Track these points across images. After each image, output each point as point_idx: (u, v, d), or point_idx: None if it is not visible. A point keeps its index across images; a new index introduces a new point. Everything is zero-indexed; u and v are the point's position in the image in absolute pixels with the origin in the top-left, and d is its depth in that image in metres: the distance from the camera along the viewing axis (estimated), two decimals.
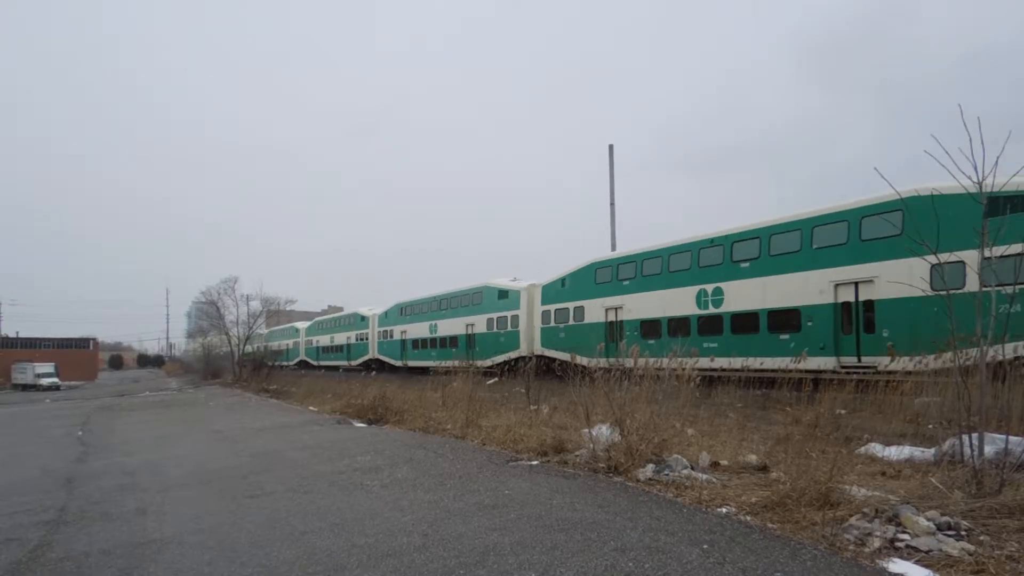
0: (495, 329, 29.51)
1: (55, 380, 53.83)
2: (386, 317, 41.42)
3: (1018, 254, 9.05)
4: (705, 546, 4.33)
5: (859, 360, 15.35)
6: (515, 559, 4.25)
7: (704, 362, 17.48)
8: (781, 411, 10.63)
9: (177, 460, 9.81)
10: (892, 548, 4.10)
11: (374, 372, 37.18)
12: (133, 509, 6.56)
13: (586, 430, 7.80)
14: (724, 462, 6.88)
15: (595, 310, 23.71)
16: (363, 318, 44.42)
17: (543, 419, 10.60)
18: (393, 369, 38.86)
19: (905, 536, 4.19)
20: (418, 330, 36.39)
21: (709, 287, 19.17)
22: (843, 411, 9.72)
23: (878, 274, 14.86)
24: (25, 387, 52.96)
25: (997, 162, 5.23)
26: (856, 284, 15.48)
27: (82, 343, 77.88)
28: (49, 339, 74.53)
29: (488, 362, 26.36)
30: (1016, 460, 5.12)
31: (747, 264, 18.15)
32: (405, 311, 38.65)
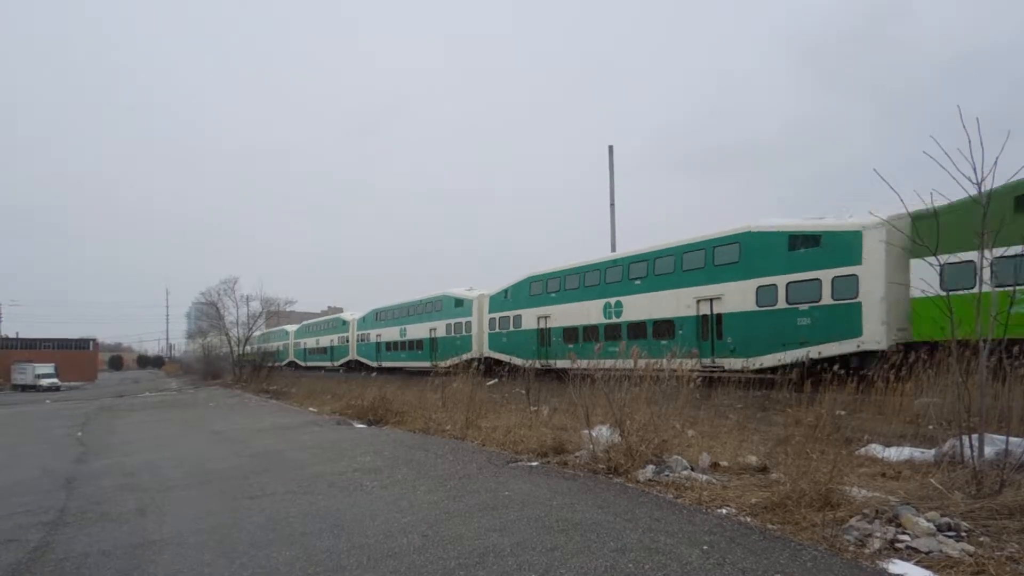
0: (452, 334, 32.63)
1: (55, 381, 53.84)
2: (364, 322, 44.33)
3: (809, 280, 14.69)
4: (705, 547, 4.33)
5: (713, 362, 18.38)
6: (515, 560, 4.25)
7: (607, 363, 19.60)
8: (781, 412, 10.62)
9: (177, 461, 9.81)
10: (892, 549, 4.10)
11: (368, 374, 38.47)
12: (133, 510, 6.56)
13: (586, 431, 7.80)
14: (724, 463, 6.88)
15: (529, 318, 27.03)
16: (344, 322, 47.24)
17: (543, 420, 10.60)
18: (370, 369, 41.40)
19: (905, 537, 4.19)
20: (391, 334, 39.53)
21: (612, 300, 22.60)
22: (843, 412, 9.72)
23: (724, 293, 18.44)
24: (25, 388, 52.96)
25: (996, 162, 5.24)
26: (711, 300, 18.92)
27: (82, 344, 77.86)
28: (49, 340, 74.51)
29: (447, 363, 28.83)
30: (1016, 461, 5.12)
31: (639, 282, 21.62)
32: (380, 316, 41.66)
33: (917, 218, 8.83)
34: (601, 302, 23.00)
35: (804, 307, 16.31)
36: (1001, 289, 8.56)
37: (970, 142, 5.14)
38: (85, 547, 5.24)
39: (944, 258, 7.24)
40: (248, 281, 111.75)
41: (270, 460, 9.24)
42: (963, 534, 4.18)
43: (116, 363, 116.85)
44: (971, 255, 10.56)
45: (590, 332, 23.29)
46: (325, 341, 51.29)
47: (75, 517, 6.38)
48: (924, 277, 8.92)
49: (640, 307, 21.36)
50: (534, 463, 7.76)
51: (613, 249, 31.30)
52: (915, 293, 13.76)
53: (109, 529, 5.82)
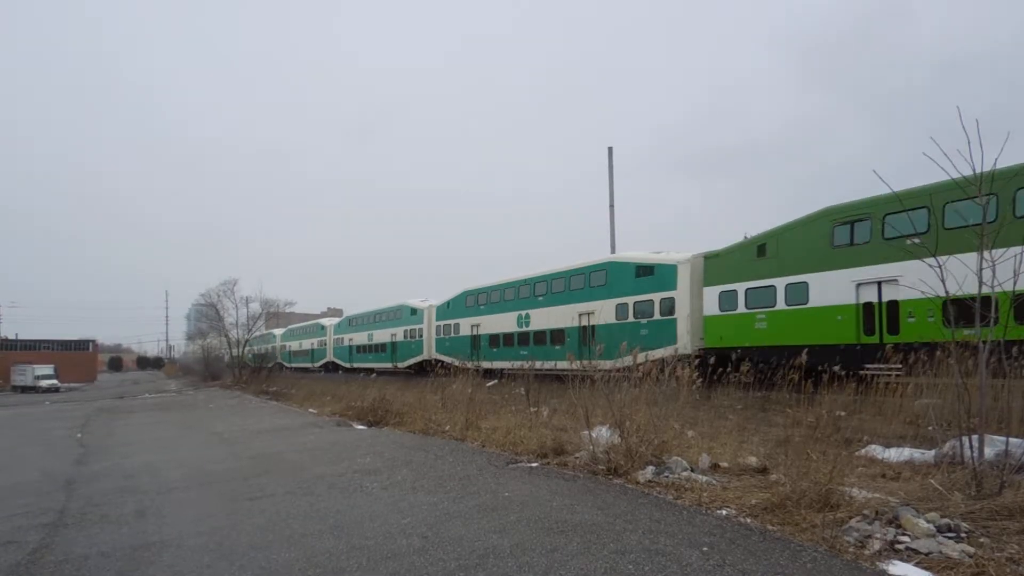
0: (408, 338, 37.92)
1: (55, 382, 53.77)
2: (338, 327, 49.68)
3: (647, 300, 19.83)
4: (705, 548, 4.33)
5: (590, 363, 21.61)
6: (515, 561, 4.25)
7: (519, 364, 24.67)
8: (781, 413, 10.62)
9: (177, 462, 9.80)
10: (892, 550, 4.10)
11: (359, 374, 41.18)
12: (132, 511, 6.55)
13: (586, 432, 7.80)
14: (724, 464, 6.88)
15: (465, 326, 32.28)
16: (323, 327, 51.97)
17: (543, 421, 10.60)
18: (344, 370, 46.51)
19: (905, 538, 4.19)
20: (361, 338, 44.83)
21: (523, 313, 27.80)
22: (843, 413, 9.72)
23: (596, 309, 23.06)
24: (24, 389, 52.88)
25: (996, 163, 5.24)
26: (588, 314, 23.59)
27: (82, 345, 77.78)
28: (49, 341, 74.44)
29: (404, 364, 37.16)
30: (1016, 462, 5.12)
31: (541, 298, 26.78)
32: (352, 322, 47.16)
33: (707, 257, 14.18)
34: (515, 314, 28.31)
35: (644, 321, 21.25)
36: (750, 311, 16.75)
37: (969, 143, 5.15)
38: (84, 549, 5.24)
39: (721, 287, 12.29)
40: (248, 283, 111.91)
41: (270, 462, 9.23)
42: (963, 535, 4.18)
43: (116, 364, 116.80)
44: (735, 286, 17.87)
45: (508, 338, 28.73)
46: (307, 344, 55.87)
47: (74, 519, 6.37)
48: (711, 300, 14.80)
49: (542, 319, 26.57)
50: (534, 464, 7.76)
51: (612, 250, 31.58)
52: (706, 312, 18.89)
53: (108, 531, 5.81)
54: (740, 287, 18.01)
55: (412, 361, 36.92)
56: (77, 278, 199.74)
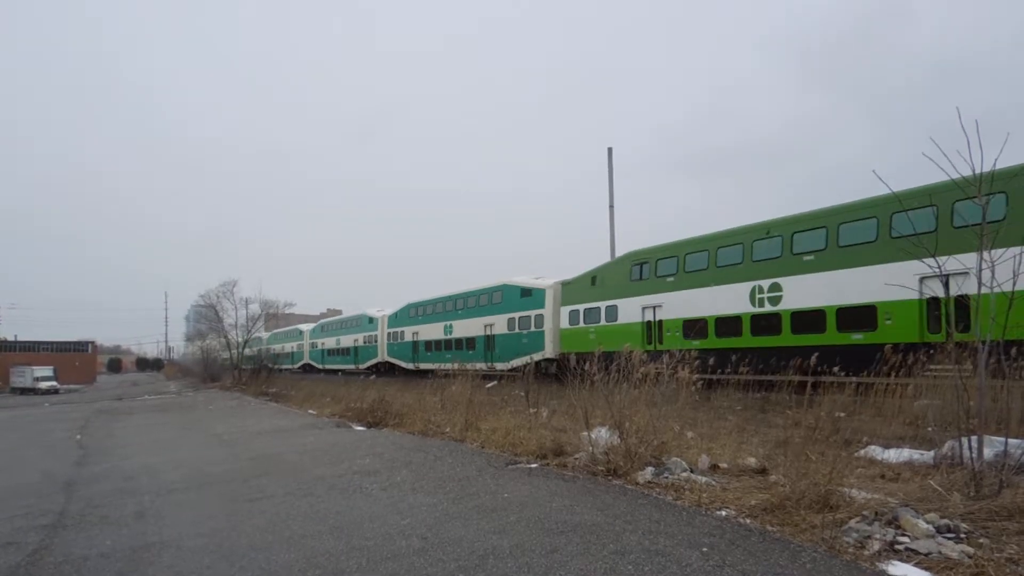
0: (366, 343, 43.80)
1: (54, 383, 53.71)
2: (313, 332, 55.32)
3: (527, 316, 27.33)
4: (705, 549, 4.34)
5: (491, 365, 29.03)
6: (514, 562, 4.25)
7: (447, 366, 28.76)
8: (780, 414, 10.62)
9: (176, 463, 9.80)
10: (892, 551, 4.10)
11: (337, 375, 46.43)
12: (132, 513, 6.55)
13: (585, 433, 7.80)
14: (723, 465, 6.88)
15: (408, 334, 38.25)
16: (300, 332, 57.32)
17: (542, 422, 10.59)
18: (317, 370, 52.03)
19: (905, 539, 4.19)
20: (331, 343, 50.60)
21: (448, 323, 33.68)
22: (842, 414, 9.72)
23: (495, 322, 29.54)
24: (24, 390, 52.83)
25: (995, 163, 5.25)
26: (490, 326, 29.81)
27: (81, 346, 77.71)
28: (48, 342, 74.38)
29: (364, 365, 42.86)
30: (1015, 462, 5.12)
31: (460, 311, 32.75)
32: (324, 328, 53.02)
33: (564, 284, 22.74)
34: (443, 324, 33.98)
35: (525, 332, 27.29)
36: (586, 326, 23.35)
37: (968, 143, 5.15)
38: (84, 550, 5.24)
39: (571, 307, 21.64)
40: (248, 284, 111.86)
41: (269, 463, 9.23)
42: (962, 536, 4.18)
43: (115, 366, 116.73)
44: (578, 307, 23.71)
45: (438, 344, 34.30)
46: (289, 347, 60.20)
47: (74, 520, 6.37)
48: (564, 317, 22.86)
49: (460, 328, 32.41)
50: (533, 465, 7.76)
51: (612, 252, 31.76)
52: (562, 325, 25.00)
53: (108, 532, 5.81)
54: (581, 308, 23.93)
55: (370, 363, 42.41)
56: (76, 279, 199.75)
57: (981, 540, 4.11)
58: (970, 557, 3.87)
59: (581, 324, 23.77)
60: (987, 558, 3.83)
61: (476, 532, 5.01)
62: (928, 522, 4.32)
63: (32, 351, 70.03)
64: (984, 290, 5.16)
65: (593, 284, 23.46)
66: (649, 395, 7.39)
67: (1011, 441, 5.35)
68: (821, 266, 15.91)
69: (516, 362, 26.89)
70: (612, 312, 22.45)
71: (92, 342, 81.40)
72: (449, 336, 33.13)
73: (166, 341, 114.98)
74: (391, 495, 6.57)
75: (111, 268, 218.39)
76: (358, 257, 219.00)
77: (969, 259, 5.85)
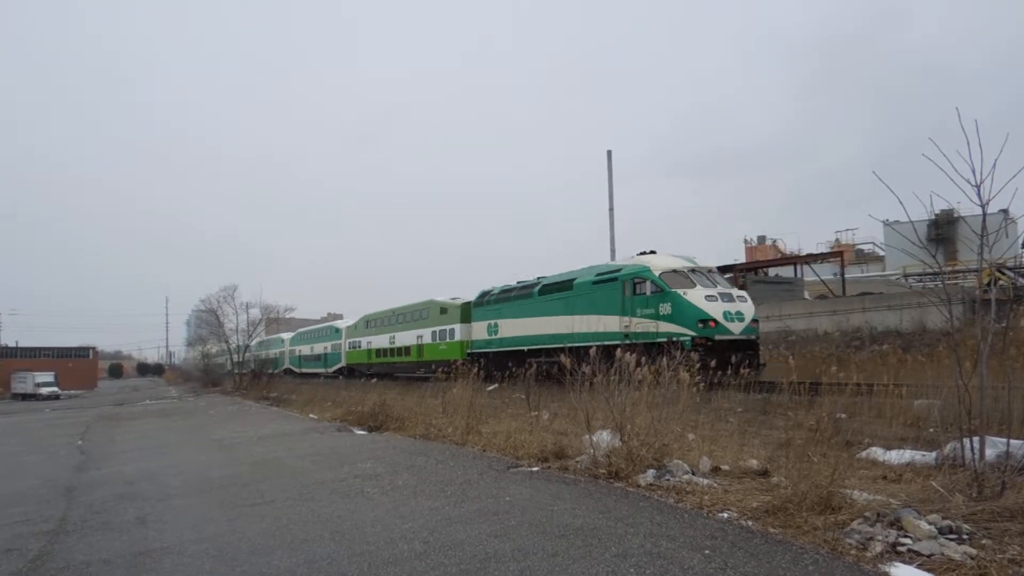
0: (333, 351, 49.31)
1: (55, 389, 53.79)
2: (292, 340, 60.29)
3: (445, 329, 33.43)
4: (706, 551, 4.33)
5: (329, 370, 45.78)
6: (516, 566, 4.25)
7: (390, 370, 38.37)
8: (782, 416, 10.62)
9: (177, 469, 9.80)
10: (894, 552, 4.09)
11: (282, 377, 53.08)
12: (133, 518, 6.55)
13: (586, 436, 7.78)
14: (725, 467, 6.87)
15: (363, 342, 43.85)
16: (282, 340, 61.42)
17: (543, 425, 10.58)
18: (295, 375, 56.29)
19: (907, 540, 4.18)
20: (305, 350, 56.26)
21: (392, 335, 38.90)
22: (843, 415, 9.71)
23: (423, 333, 34.61)
24: (25, 396, 52.89)
25: (996, 164, 5.25)
26: (421, 336, 35.00)
27: (82, 352, 77.80)
28: (49, 348, 74.47)
29: (331, 369, 48.42)
30: (1017, 463, 5.11)
31: (401, 325, 37.85)
32: (301, 337, 58.75)
33: (464, 304, 30.72)
34: (389, 335, 39.30)
35: (443, 341, 32.39)
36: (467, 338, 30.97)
37: (968, 144, 5.16)
38: (86, 556, 5.23)
39: (474, 324, 28.68)
40: (248, 288, 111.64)
41: (270, 467, 9.22)
42: (965, 537, 4.17)
43: (116, 371, 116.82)
44: (477, 324, 28.78)
45: (386, 352, 39.71)
46: (272, 353, 63.73)
47: (75, 526, 6.37)
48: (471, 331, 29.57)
49: (401, 339, 37.58)
50: (535, 468, 7.75)
51: (612, 252, 31.87)
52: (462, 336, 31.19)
53: (110, 538, 5.81)
54: (473, 325, 29.72)
55: (336, 367, 47.79)
56: (77, 285, 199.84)
57: (983, 541, 4.10)
58: (972, 558, 3.86)
59: (475, 335, 30.04)
60: (990, 559, 3.82)
61: (478, 536, 5.01)
62: (930, 523, 4.31)
63: (33, 357, 70.11)
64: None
65: (478, 305, 29.59)
66: (650, 397, 7.38)
67: (1013, 442, 5.34)
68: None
69: (436, 365, 31.37)
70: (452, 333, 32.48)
71: (93, 348, 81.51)
72: (393, 345, 38.81)
73: (167, 346, 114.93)
74: (392, 499, 6.56)
75: (112, 274, 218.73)
76: (359, 260, 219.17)
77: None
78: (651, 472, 6.57)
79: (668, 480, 6.35)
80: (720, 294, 17.61)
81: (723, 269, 35.73)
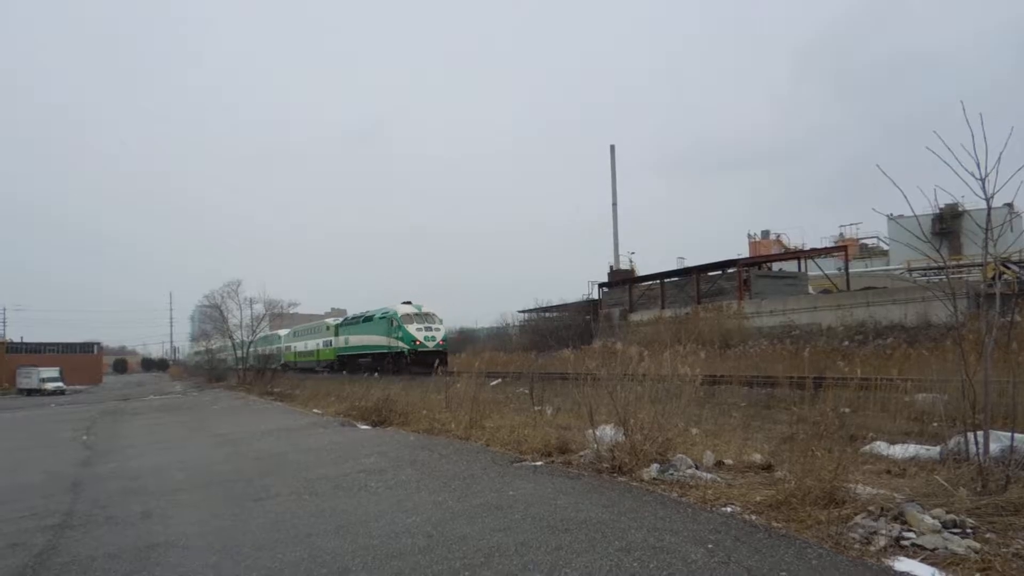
0: (325, 346, 51.11)
1: (60, 384, 53.96)
2: (286, 337, 64.15)
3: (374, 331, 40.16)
4: (710, 545, 4.33)
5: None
6: (520, 560, 4.26)
7: (311, 366, 48.02)
8: (785, 410, 10.61)
9: (182, 464, 9.84)
10: (898, 546, 4.09)
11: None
12: (138, 513, 6.58)
13: (590, 430, 7.79)
14: (728, 461, 6.87)
15: (343, 340, 44.10)
16: (280, 336, 64.74)
17: (547, 420, 10.59)
18: (291, 369, 59.44)
19: (911, 534, 4.18)
20: (301, 346, 59.68)
21: (360, 335, 39.76)
22: (847, 410, 9.70)
23: (275, 348, 51.92)
24: (30, 391, 53.11)
25: (1000, 158, 5.21)
26: (275, 348, 51.14)
27: (87, 347, 78.07)
28: (54, 343, 74.67)
29: (323, 364, 50.46)
30: (1022, 458, 5.10)
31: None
32: (296, 334, 62.49)
33: (336, 324, 45.20)
34: (303, 342, 50.18)
35: (327, 347, 43.67)
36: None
37: (973, 137, 5.12)
38: (91, 550, 5.26)
39: (340, 337, 43.21)
40: (251, 284, 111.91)
41: (275, 462, 9.26)
42: (969, 531, 4.17)
43: (121, 366, 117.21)
44: (341, 337, 43.32)
45: (301, 354, 49.29)
46: (271, 349, 66.64)
47: (81, 520, 6.40)
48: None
49: (310, 345, 47.61)
50: (538, 463, 7.76)
51: (615, 249, 31.92)
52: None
53: (115, 532, 5.84)
54: (339, 338, 41.55)
55: (326, 362, 50.61)
56: (82, 281, 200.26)
57: (987, 535, 4.10)
58: (976, 552, 3.86)
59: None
60: (994, 553, 3.82)
61: (481, 530, 5.02)
62: (934, 518, 4.30)
63: (38, 352, 70.30)
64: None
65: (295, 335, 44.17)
66: (653, 392, 7.38)
67: (1018, 436, 5.32)
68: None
69: (324, 363, 45.27)
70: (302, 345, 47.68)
71: (98, 343, 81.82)
72: (305, 349, 48.00)
73: (171, 341, 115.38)
74: (396, 493, 6.58)
75: (116, 269, 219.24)
76: (361, 258, 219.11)
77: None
78: (654, 467, 6.57)
79: (671, 475, 6.35)
80: (425, 327, 33.17)
81: (726, 264, 35.70)
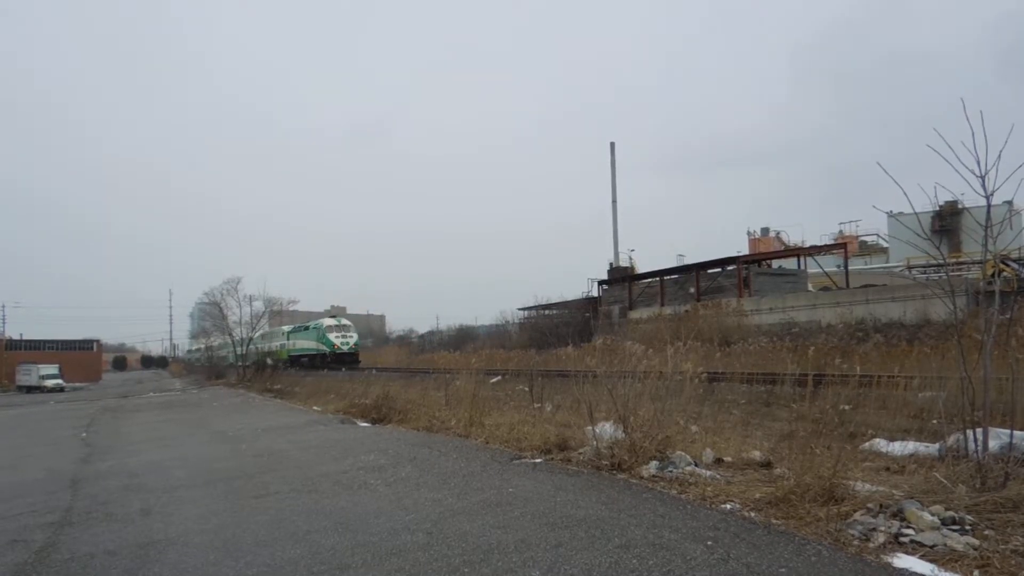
0: (279, 348, 56.75)
1: (59, 382, 54.00)
2: (257, 339, 70.28)
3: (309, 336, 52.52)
4: (709, 542, 4.33)
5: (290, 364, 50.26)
6: (519, 557, 4.26)
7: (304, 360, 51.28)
8: (785, 407, 10.62)
9: (181, 461, 9.85)
10: (897, 543, 4.09)
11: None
12: (138, 510, 6.59)
13: (589, 428, 7.79)
14: (728, 458, 6.87)
15: (284, 344, 53.19)
16: (281, 332, 68.97)
17: (546, 417, 10.60)
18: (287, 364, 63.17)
19: (910, 531, 4.18)
20: (269, 346, 64.69)
21: (326, 336, 45.58)
22: (846, 407, 9.70)
23: (302, 340, 51.10)
24: (30, 389, 53.13)
25: (1000, 155, 5.21)
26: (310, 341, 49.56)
27: (86, 344, 78.06)
28: (53, 341, 74.64)
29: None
30: (1021, 455, 5.10)
31: (295, 334, 51.98)
32: (264, 336, 66.69)
33: (290, 330, 53.57)
34: (268, 344, 52.01)
35: (283, 349, 51.47)
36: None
37: (973, 134, 5.11)
38: (91, 547, 5.27)
39: (291, 340, 52.95)
40: (252, 281, 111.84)
41: (274, 459, 9.26)
42: (967, 528, 4.17)
43: (120, 364, 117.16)
44: (291, 341, 53.16)
45: (267, 353, 48.97)
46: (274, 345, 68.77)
47: (80, 517, 6.41)
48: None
49: (273, 346, 51.82)
50: (538, 460, 7.76)
51: (615, 244, 31.89)
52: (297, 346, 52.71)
53: (114, 529, 5.85)
54: (290, 341, 50.80)
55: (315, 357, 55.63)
56: (81, 277, 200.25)
57: (986, 532, 4.10)
58: (975, 549, 3.87)
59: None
60: (992, 550, 3.82)
61: (481, 527, 5.02)
62: (933, 514, 4.31)
63: (38, 349, 70.31)
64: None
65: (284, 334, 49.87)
66: (653, 389, 7.38)
67: (1016, 433, 5.33)
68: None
69: (280, 361, 49.75)
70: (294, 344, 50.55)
71: (97, 340, 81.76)
72: (270, 349, 51.86)
73: (171, 339, 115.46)
74: (396, 491, 6.58)
75: (116, 266, 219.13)
76: (362, 256, 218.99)
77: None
78: (654, 464, 6.58)
79: (671, 472, 6.36)
80: (342, 335, 44.46)
81: (726, 261, 35.69)
